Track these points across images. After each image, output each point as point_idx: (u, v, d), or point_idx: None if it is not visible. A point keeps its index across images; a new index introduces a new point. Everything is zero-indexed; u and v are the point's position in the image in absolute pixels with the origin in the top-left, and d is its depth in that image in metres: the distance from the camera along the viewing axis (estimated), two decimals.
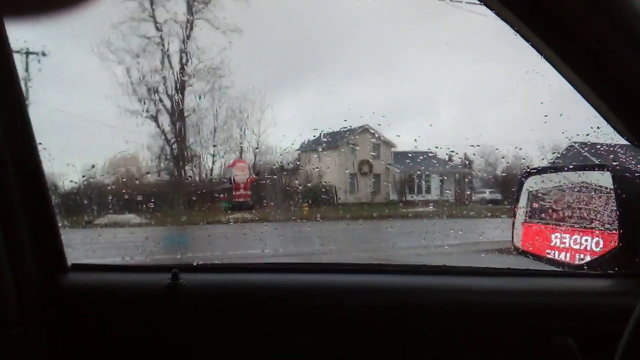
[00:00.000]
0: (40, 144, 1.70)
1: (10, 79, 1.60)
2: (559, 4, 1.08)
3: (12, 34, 1.58)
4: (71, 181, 3.14)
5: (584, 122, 1.74)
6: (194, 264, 1.95)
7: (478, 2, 1.20)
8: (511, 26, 1.20)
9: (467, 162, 12.64)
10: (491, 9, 1.20)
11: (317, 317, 1.68)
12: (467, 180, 13.55)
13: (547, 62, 1.23)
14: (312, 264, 2.01)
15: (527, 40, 1.21)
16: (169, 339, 1.67)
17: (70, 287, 1.74)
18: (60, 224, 1.78)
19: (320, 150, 8.68)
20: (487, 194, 13.22)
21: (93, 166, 3.75)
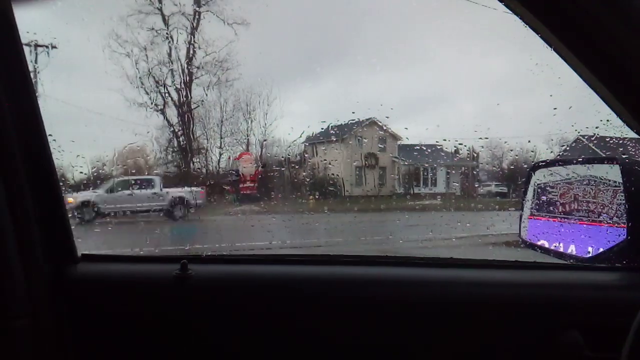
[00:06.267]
0: (50, 135, 1.71)
1: (21, 71, 1.61)
2: None
3: (21, 27, 1.59)
4: (81, 172, 3.16)
5: (593, 115, 1.73)
6: (203, 255, 1.97)
7: None
8: (521, 19, 1.20)
9: (474, 155, 12.61)
10: (501, 1, 1.20)
11: (324, 308, 1.68)
12: (474, 173, 13.51)
13: (556, 54, 1.23)
14: (319, 256, 2.01)
15: (537, 33, 1.21)
16: (178, 330, 1.68)
17: (80, 277, 1.76)
18: (70, 215, 1.80)
19: (328, 142, 8.68)
20: (493, 187, 13.17)
21: (104, 164, 3.78)
